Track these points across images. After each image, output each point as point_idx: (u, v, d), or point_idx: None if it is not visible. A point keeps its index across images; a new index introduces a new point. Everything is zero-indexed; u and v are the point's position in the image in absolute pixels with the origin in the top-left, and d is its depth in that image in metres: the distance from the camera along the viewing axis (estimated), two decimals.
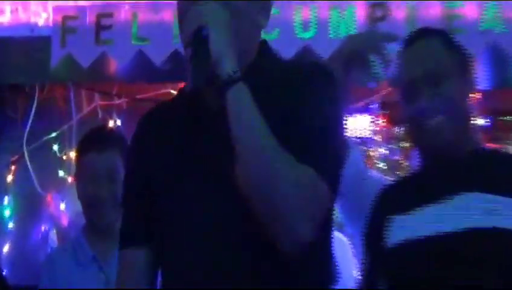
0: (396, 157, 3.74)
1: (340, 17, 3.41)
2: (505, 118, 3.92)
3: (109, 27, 3.53)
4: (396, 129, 3.79)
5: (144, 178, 1.73)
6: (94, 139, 2.78)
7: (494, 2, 3.52)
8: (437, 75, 2.01)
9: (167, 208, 1.69)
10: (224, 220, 1.57)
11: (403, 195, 2.02)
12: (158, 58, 3.47)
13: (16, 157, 3.84)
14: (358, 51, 2.31)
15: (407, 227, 1.91)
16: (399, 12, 3.47)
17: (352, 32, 3.38)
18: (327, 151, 1.50)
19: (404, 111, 2.05)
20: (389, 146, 3.83)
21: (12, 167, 3.88)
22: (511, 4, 3.48)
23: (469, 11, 3.42)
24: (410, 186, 2.06)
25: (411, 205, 1.92)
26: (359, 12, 3.43)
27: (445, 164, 1.98)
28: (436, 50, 2.07)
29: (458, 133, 1.97)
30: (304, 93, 1.51)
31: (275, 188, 1.41)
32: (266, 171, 1.43)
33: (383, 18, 3.42)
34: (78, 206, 2.80)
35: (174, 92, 3.44)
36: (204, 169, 1.62)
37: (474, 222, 1.84)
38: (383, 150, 3.83)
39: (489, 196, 1.88)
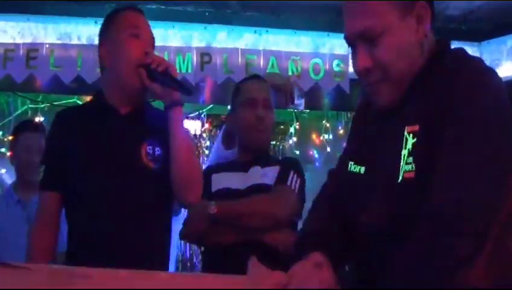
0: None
1: (183, 60, 4.24)
2: None
3: (35, 58, 4.18)
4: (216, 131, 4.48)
5: (58, 154, 2.12)
6: (29, 125, 3.41)
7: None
8: (268, 102, 2.61)
9: (79, 178, 2.06)
10: (120, 189, 2.03)
11: (224, 166, 2.65)
12: (67, 79, 4.23)
13: None
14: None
15: (223, 181, 2.56)
16: (219, 59, 4.26)
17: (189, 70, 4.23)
18: None
19: (243, 120, 2.59)
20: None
21: None
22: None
23: (257, 60, 4.24)
24: (230, 163, 2.68)
25: (227, 171, 2.59)
26: (195, 58, 4.25)
27: (251, 155, 2.60)
28: (266, 87, 2.68)
29: (267, 139, 2.71)
30: None
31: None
32: (186, 161, 2.05)
33: (209, 62, 4.23)
34: (11, 170, 3.55)
35: (79, 101, 4.29)
36: (108, 155, 2.05)
37: (256, 181, 2.53)
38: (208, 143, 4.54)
39: (263, 169, 2.56)
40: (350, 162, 1.53)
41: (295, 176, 2.52)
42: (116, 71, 2.12)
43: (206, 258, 2.61)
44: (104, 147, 2.09)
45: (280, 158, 2.91)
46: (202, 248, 2.70)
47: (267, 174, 2.53)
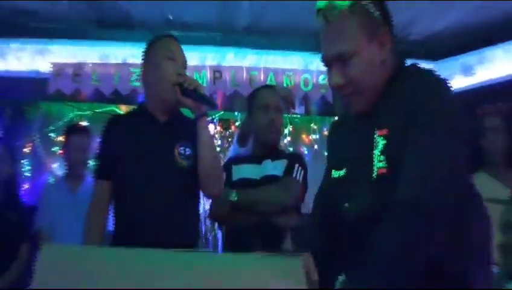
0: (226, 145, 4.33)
1: (199, 76, 4.27)
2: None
3: (80, 74, 4.30)
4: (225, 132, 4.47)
5: (110, 151, 2.13)
6: (78, 128, 3.51)
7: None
8: (279, 107, 2.60)
9: (126, 171, 2.07)
10: (159, 181, 2.03)
11: (242, 159, 2.66)
12: (107, 92, 4.36)
13: (31, 138, 4.36)
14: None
15: (241, 171, 2.56)
16: (227, 75, 4.32)
17: (204, 84, 4.20)
18: None
19: (258, 122, 2.56)
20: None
21: (30, 144, 4.36)
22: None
23: (259, 76, 4.29)
24: (247, 156, 2.66)
25: (244, 163, 2.59)
26: (209, 74, 4.32)
27: (263, 150, 2.59)
28: (276, 95, 2.64)
29: (278, 138, 2.63)
30: None
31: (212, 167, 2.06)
32: (216, 169, 2.09)
33: (219, 78, 4.29)
34: (61, 164, 3.54)
35: (116, 109, 4.35)
36: (150, 154, 2.06)
37: (268, 172, 2.52)
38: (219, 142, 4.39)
39: (273, 162, 2.53)
40: (332, 170, 1.52)
41: (299, 168, 2.51)
42: (155, 88, 2.14)
43: (227, 236, 2.60)
44: (146, 148, 2.09)
45: (287, 153, 2.85)
46: (216, 226, 2.70)
47: (276, 167, 2.52)
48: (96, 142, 2.26)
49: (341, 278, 1.34)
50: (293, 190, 2.44)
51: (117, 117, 2.46)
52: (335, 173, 1.50)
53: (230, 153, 3.00)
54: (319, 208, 1.61)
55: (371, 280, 1.22)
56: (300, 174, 2.50)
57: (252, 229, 2.33)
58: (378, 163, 1.33)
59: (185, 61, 2.18)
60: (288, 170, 2.49)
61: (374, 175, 1.33)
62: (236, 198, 2.41)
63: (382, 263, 1.23)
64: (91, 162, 3.63)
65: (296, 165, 2.50)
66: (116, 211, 2.12)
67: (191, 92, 2.04)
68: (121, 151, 2.10)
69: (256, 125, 2.60)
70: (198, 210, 2.26)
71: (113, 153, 2.12)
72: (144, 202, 2.02)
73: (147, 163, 2.06)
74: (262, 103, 2.58)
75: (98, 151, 2.21)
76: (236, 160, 2.66)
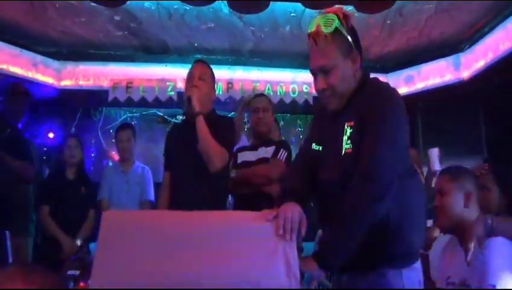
0: None
1: (217, 87, 3.77)
2: None
3: (131, 87, 4.18)
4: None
5: (169, 149, 2.18)
6: (124, 126, 3.41)
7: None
8: (266, 108, 2.49)
9: (175, 160, 2.11)
10: (194, 166, 2.02)
11: (244, 148, 2.57)
12: (150, 99, 4.20)
13: (96, 133, 4.40)
14: None
15: (243, 156, 2.45)
16: (237, 85, 4.21)
17: (220, 92, 4.09)
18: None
19: (251, 121, 2.54)
20: None
21: (95, 138, 4.39)
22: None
23: (259, 86, 4.17)
24: (246, 146, 2.59)
25: (245, 151, 2.49)
26: (224, 85, 4.22)
27: (258, 140, 2.52)
28: (265, 100, 2.59)
29: (266, 131, 2.50)
30: None
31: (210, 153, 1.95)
32: (208, 150, 1.96)
33: (232, 87, 4.18)
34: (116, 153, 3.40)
35: (157, 112, 4.29)
36: (189, 148, 2.04)
37: (261, 155, 2.43)
38: None
39: (266, 148, 2.45)
40: (313, 144, 1.48)
41: (283, 151, 2.44)
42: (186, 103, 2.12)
43: (236, 201, 2.53)
44: (185, 142, 2.09)
45: (276, 141, 2.69)
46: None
47: (268, 151, 2.47)
48: (141, 136, 2.21)
49: (319, 231, 1.31)
50: (276, 167, 2.37)
51: (174, 125, 2.67)
52: (315, 146, 1.47)
53: (241, 143, 2.83)
54: (300, 168, 1.52)
55: (337, 233, 1.25)
56: (283, 155, 2.42)
57: (248, 196, 2.29)
58: (346, 145, 1.33)
59: (202, 72, 2.07)
60: (275, 153, 2.44)
61: (342, 153, 1.33)
62: (235, 175, 2.37)
63: (344, 220, 1.24)
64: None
65: (281, 150, 2.44)
66: (173, 184, 2.09)
67: (187, 100, 2.00)
68: (175, 147, 2.13)
69: (250, 123, 2.58)
70: (221, 182, 2.16)
71: (171, 150, 2.15)
72: (185, 175, 2.02)
73: (186, 151, 2.06)
74: (253, 107, 2.53)
75: (165, 150, 2.20)
76: (241, 149, 2.61)
